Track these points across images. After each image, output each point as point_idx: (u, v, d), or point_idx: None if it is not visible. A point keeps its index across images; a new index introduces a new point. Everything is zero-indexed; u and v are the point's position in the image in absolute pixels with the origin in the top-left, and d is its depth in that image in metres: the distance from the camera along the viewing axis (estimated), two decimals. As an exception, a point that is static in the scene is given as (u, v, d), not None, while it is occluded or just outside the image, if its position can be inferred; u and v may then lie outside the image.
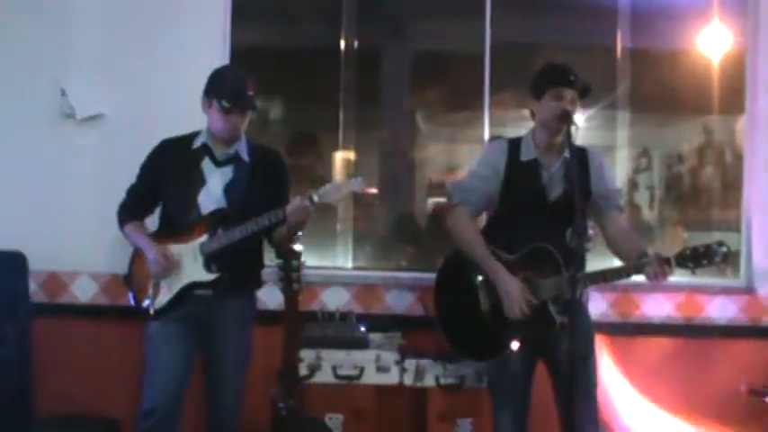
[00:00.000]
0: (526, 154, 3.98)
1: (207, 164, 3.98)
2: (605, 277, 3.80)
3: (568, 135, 3.73)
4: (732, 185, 5.52)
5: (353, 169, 5.68)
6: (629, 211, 5.05)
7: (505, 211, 4.00)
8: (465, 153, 6.30)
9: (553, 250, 3.77)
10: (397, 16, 5.83)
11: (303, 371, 4.37)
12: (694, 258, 3.62)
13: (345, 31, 5.52)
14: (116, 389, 4.72)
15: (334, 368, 4.52)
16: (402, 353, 4.58)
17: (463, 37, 5.56)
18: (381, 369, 4.53)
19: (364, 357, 4.54)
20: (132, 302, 4.05)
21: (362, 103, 5.70)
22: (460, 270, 4.03)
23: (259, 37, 5.51)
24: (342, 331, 4.63)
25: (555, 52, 5.70)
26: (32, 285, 4.83)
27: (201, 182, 3.95)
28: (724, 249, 3.62)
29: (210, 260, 3.88)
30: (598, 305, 4.79)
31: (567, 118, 3.77)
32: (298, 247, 3.74)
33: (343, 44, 5.52)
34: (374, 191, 3.86)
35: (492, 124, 5.36)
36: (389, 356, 4.54)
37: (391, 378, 4.52)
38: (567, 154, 3.84)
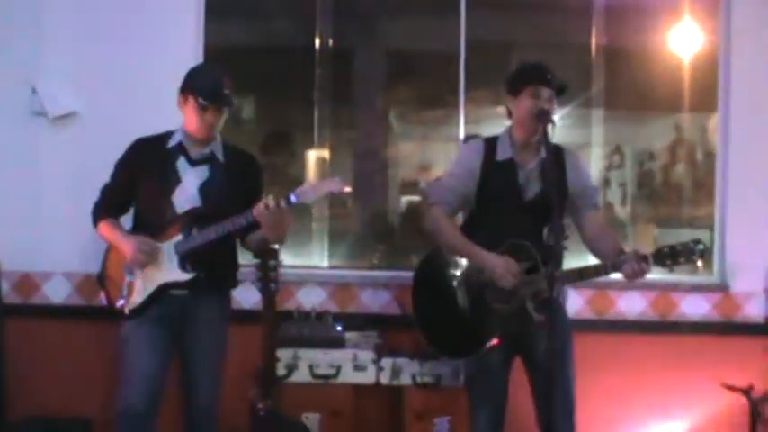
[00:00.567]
0: (502, 153, 3.97)
1: (182, 163, 3.95)
2: (583, 275, 3.81)
3: (545, 134, 3.74)
4: (703, 183, 5.56)
5: (327, 168, 5.68)
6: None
7: (482, 210, 3.99)
8: (438, 151, 6.31)
9: (530, 247, 3.78)
10: (371, 15, 5.83)
11: (280, 370, 4.36)
12: (672, 256, 3.65)
13: (320, 30, 5.50)
14: (90, 390, 4.70)
15: (310, 367, 4.52)
16: (378, 352, 4.59)
17: (437, 35, 5.56)
18: (358, 368, 4.54)
19: (341, 356, 4.55)
20: (105, 302, 4.00)
21: (337, 101, 5.69)
22: (438, 268, 4.04)
23: (233, 35, 5.48)
24: (318, 330, 4.64)
25: (530, 50, 5.74)
26: (5, 286, 4.77)
27: (176, 181, 3.92)
28: (701, 247, 3.66)
29: (185, 260, 3.85)
30: (574, 302, 4.81)
31: (544, 116, 3.77)
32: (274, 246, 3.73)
33: (317, 42, 5.50)
34: (348, 189, 3.83)
35: (466, 122, 5.35)
36: (366, 355, 4.56)
37: (368, 377, 4.53)
38: (543, 153, 3.84)
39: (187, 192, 3.91)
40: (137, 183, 3.98)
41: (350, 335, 4.69)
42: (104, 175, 4.08)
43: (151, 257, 3.86)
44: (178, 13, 4.98)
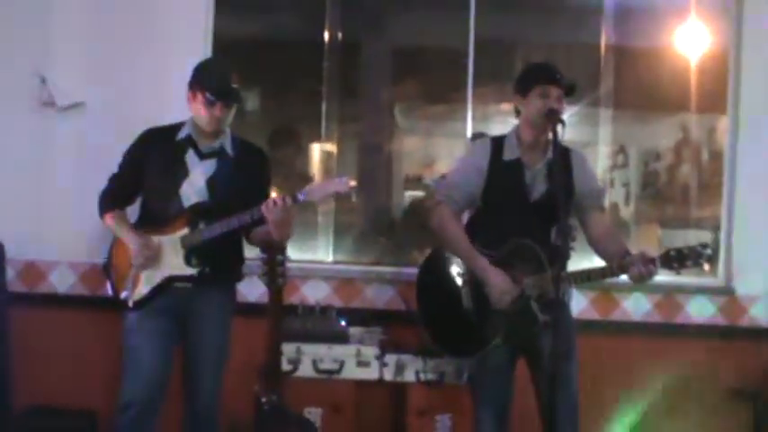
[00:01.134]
0: (509, 153, 3.97)
1: (191, 156, 3.95)
2: (589, 276, 3.81)
3: (554, 133, 3.73)
4: (708, 184, 5.55)
5: (334, 162, 5.68)
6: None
7: (488, 209, 3.99)
8: (443, 147, 6.31)
9: (536, 248, 3.78)
10: (380, 10, 5.82)
11: (284, 365, 4.35)
12: (679, 259, 3.64)
13: (329, 23, 5.49)
14: (94, 380, 4.70)
15: (314, 362, 4.52)
16: (382, 348, 4.58)
17: (446, 32, 5.55)
18: (361, 364, 4.54)
19: (345, 352, 4.54)
20: (110, 292, 4.00)
21: (344, 95, 5.69)
22: (443, 266, 4.03)
23: (242, 28, 5.47)
24: (322, 325, 4.63)
25: (539, 49, 5.73)
26: (10, 274, 4.77)
27: (184, 174, 3.92)
28: (708, 251, 3.65)
29: (191, 254, 3.85)
30: (578, 303, 4.80)
31: (553, 116, 3.76)
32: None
33: (327, 36, 5.49)
34: (353, 184, 3.83)
35: (473, 119, 5.34)
36: (370, 351, 4.56)
37: (371, 373, 4.53)
38: (550, 154, 3.84)
39: (195, 185, 3.91)
40: (144, 173, 3.98)
41: (354, 330, 4.68)
42: (112, 166, 4.08)
43: (152, 260, 3.86)
44: (188, 5, 4.97)
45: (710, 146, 5.76)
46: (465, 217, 4.16)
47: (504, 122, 5.67)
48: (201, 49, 4.88)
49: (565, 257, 3.65)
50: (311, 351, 4.52)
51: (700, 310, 5.00)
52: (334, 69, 5.56)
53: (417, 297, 4.13)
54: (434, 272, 4.09)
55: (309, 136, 5.85)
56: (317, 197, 3.76)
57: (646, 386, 4.88)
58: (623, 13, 5.56)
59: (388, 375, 4.53)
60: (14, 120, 4.85)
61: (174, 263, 3.86)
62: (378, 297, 4.95)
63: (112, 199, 4.04)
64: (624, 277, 3.80)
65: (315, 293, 4.88)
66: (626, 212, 6.07)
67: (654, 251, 3.76)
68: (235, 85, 3.90)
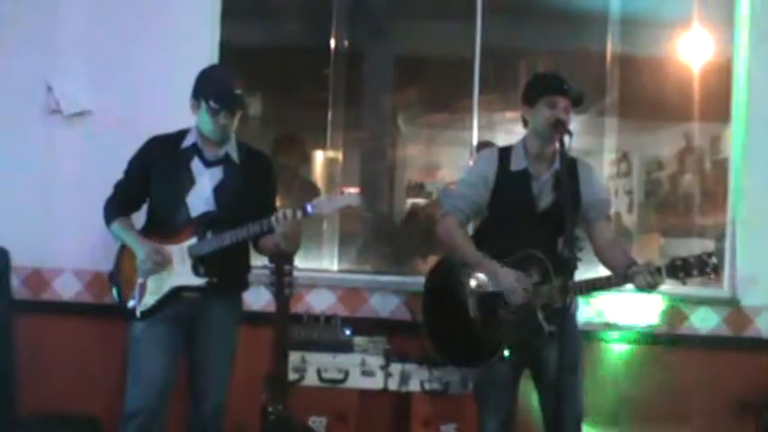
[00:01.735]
0: (516, 163, 3.97)
1: (196, 164, 3.94)
2: (595, 286, 3.81)
3: (562, 144, 3.73)
4: (711, 193, 5.55)
5: (339, 170, 5.68)
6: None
7: (495, 219, 4.00)
8: (446, 155, 6.32)
9: (543, 258, 3.78)
10: (385, 18, 5.83)
11: (290, 375, 4.35)
12: (685, 269, 3.64)
13: (336, 31, 5.50)
14: (98, 387, 4.68)
15: (319, 371, 4.51)
16: (387, 357, 4.58)
17: (451, 40, 5.56)
18: (366, 373, 4.53)
19: (349, 361, 4.54)
20: (117, 301, 3.99)
21: (350, 103, 5.70)
22: (449, 276, 4.03)
23: (249, 35, 5.48)
24: (327, 334, 4.62)
25: (545, 58, 5.74)
26: (15, 281, 4.77)
27: (191, 182, 3.92)
28: (714, 260, 3.65)
29: (199, 263, 3.84)
30: (583, 312, 4.79)
31: (560, 126, 3.77)
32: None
33: (333, 44, 5.50)
34: (355, 190, 3.85)
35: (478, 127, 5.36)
36: (375, 361, 4.55)
37: (376, 383, 4.53)
38: (557, 165, 3.84)
39: (201, 194, 3.91)
40: (150, 181, 3.98)
41: (359, 339, 4.68)
42: (117, 173, 4.07)
43: (160, 266, 3.86)
44: (194, 12, 4.96)
45: (713, 155, 5.76)
46: (470, 228, 4.17)
47: (508, 131, 5.69)
48: (208, 57, 4.86)
49: (572, 268, 3.65)
50: (316, 360, 4.52)
51: (704, 321, 4.99)
52: (339, 77, 5.57)
53: (423, 306, 4.14)
54: (441, 281, 4.09)
55: (314, 143, 5.86)
56: (325, 210, 3.75)
57: (650, 396, 4.86)
58: (628, 22, 5.57)
59: (393, 385, 4.53)
60: (21, 127, 4.84)
61: (181, 272, 3.85)
62: (383, 306, 4.94)
63: (118, 207, 4.03)
64: (630, 286, 3.79)
65: (320, 302, 4.88)
66: (628, 221, 6.08)
67: (656, 260, 3.77)
68: (238, 92, 3.89)
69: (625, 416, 4.86)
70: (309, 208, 3.69)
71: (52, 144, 4.84)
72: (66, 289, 4.86)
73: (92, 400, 4.68)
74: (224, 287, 3.91)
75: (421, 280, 4.23)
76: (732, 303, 5.00)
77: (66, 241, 4.81)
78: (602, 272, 3.95)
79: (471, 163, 4.84)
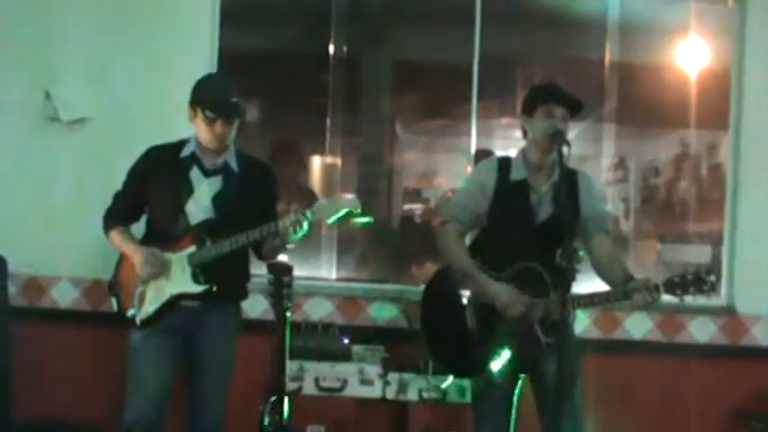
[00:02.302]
0: (516, 173, 3.96)
1: (195, 173, 3.93)
2: (593, 301, 3.80)
3: (560, 155, 3.73)
4: (707, 199, 5.56)
5: (338, 176, 5.68)
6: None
7: (494, 229, 3.99)
8: (443, 161, 6.33)
9: (542, 270, 3.77)
10: (384, 24, 5.84)
11: (289, 385, 4.34)
12: (682, 286, 3.63)
13: (335, 37, 5.50)
14: (96, 395, 4.69)
15: (316, 380, 4.51)
16: (385, 366, 4.58)
17: (450, 47, 5.56)
18: (364, 382, 4.53)
19: (347, 370, 4.54)
20: (116, 310, 3.98)
21: (348, 109, 5.70)
22: (448, 285, 4.02)
23: (248, 41, 5.47)
24: (324, 343, 4.62)
25: (543, 65, 5.75)
26: (12, 289, 4.76)
27: (190, 191, 3.91)
28: (713, 279, 3.65)
29: (199, 271, 3.84)
30: (581, 322, 4.78)
31: (558, 137, 3.76)
32: (284, 258, 3.72)
33: (332, 50, 5.50)
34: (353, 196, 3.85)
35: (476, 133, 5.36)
36: (372, 369, 4.55)
37: (374, 391, 4.53)
38: (556, 176, 3.84)
39: (201, 203, 3.90)
40: (149, 191, 3.97)
41: (356, 348, 4.68)
42: (116, 181, 4.06)
43: (159, 271, 3.85)
44: (193, 19, 4.96)
45: (710, 161, 5.78)
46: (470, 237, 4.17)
47: (506, 137, 5.70)
48: (208, 64, 4.88)
49: (569, 281, 3.66)
50: (314, 369, 4.52)
51: (702, 330, 4.99)
52: (338, 83, 5.57)
53: (422, 315, 4.13)
54: (440, 290, 4.09)
55: (312, 149, 5.86)
56: (324, 215, 3.77)
57: (648, 406, 4.87)
58: (627, 29, 5.58)
59: (391, 394, 4.53)
60: (19, 134, 4.85)
61: (181, 280, 3.84)
62: (381, 315, 4.94)
63: (117, 216, 4.03)
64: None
65: (318, 311, 4.89)
66: (625, 227, 6.09)
67: (652, 266, 3.77)
68: (234, 100, 3.88)
69: (621, 424, 4.85)
70: (309, 213, 3.70)
71: (50, 151, 4.85)
72: (63, 296, 4.87)
73: (90, 408, 4.68)
74: (223, 296, 3.90)
75: (418, 289, 4.23)
76: (729, 312, 5.01)
77: (64, 249, 4.81)
78: (600, 284, 3.95)
79: (470, 170, 4.84)
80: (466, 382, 4.36)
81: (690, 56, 5.57)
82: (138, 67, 4.85)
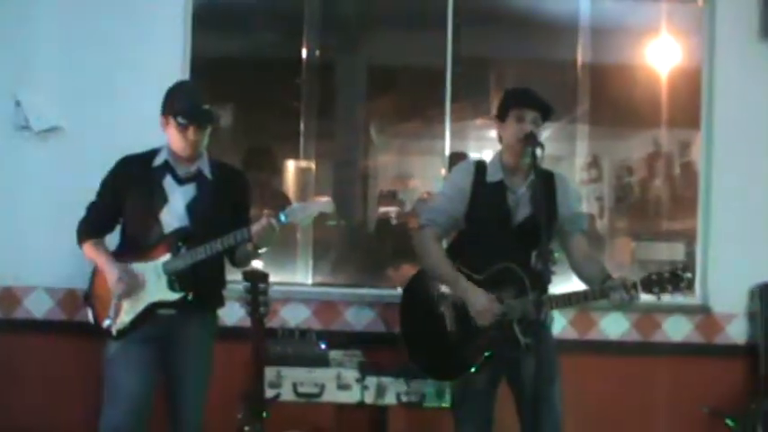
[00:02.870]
0: (492, 175, 3.98)
1: (169, 182, 3.92)
2: (571, 300, 3.82)
3: (533, 157, 3.76)
4: (680, 197, 5.60)
5: (312, 179, 5.67)
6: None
7: (471, 232, 4.00)
8: (417, 164, 6.34)
9: (519, 271, 3.79)
10: (357, 28, 5.84)
11: (267, 391, 4.33)
12: (660, 283, 3.66)
13: (307, 42, 5.49)
14: (72, 404, 4.64)
15: (294, 386, 4.50)
16: (363, 370, 4.57)
17: (423, 50, 5.57)
18: (342, 387, 4.51)
19: (325, 375, 4.52)
20: (92, 321, 3.95)
21: (322, 113, 5.69)
22: (427, 289, 4.03)
23: (220, 46, 5.45)
24: (302, 349, 4.61)
25: (515, 66, 5.77)
26: (-15, 300, 4.74)
27: (163, 200, 3.89)
28: (689, 275, 3.67)
29: (174, 279, 3.83)
30: (557, 323, 4.79)
31: (530, 139, 3.80)
32: (259, 264, 3.72)
33: (305, 54, 5.49)
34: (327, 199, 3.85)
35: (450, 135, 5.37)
36: (350, 374, 4.53)
37: (352, 396, 4.51)
38: (532, 176, 3.86)
39: (174, 211, 3.89)
40: (123, 201, 3.95)
41: (334, 353, 4.67)
42: (88, 190, 4.04)
43: (132, 289, 3.83)
44: (165, 25, 4.93)
45: (682, 160, 5.82)
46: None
47: (479, 138, 5.71)
48: (180, 70, 4.85)
49: (546, 281, 3.67)
50: (291, 375, 4.50)
51: (677, 329, 5.02)
52: (311, 87, 5.56)
53: (401, 319, 4.14)
54: (418, 294, 4.09)
55: (287, 153, 5.85)
56: (298, 218, 3.78)
57: (624, 405, 4.90)
58: (598, 30, 5.61)
59: (369, 398, 4.51)
60: (-11, 143, 4.80)
61: (157, 289, 3.83)
62: (358, 319, 4.93)
63: (91, 228, 4.00)
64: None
65: (294, 316, 4.86)
66: (600, 225, 6.11)
67: (628, 264, 3.79)
68: (206, 107, 3.88)
69: (597, 424, 4.88)
70: (282, 217, 3.70)
71: (22, 161, 4.80)
72: (38, 307, 4.82)
73: (67, 419, 4.64)
74: (199, 304, 3.89)
75: (395, 292, 4.24)
76: (704, 311, 5.04)
77: (38, 259, 4.77)
78: (576, 284, 3.97)
79: (444, 173, 4.85)
80: (445, 386, 4.36)
81: (661, 55, 5.60)
82: (109, 75, 4.81)
